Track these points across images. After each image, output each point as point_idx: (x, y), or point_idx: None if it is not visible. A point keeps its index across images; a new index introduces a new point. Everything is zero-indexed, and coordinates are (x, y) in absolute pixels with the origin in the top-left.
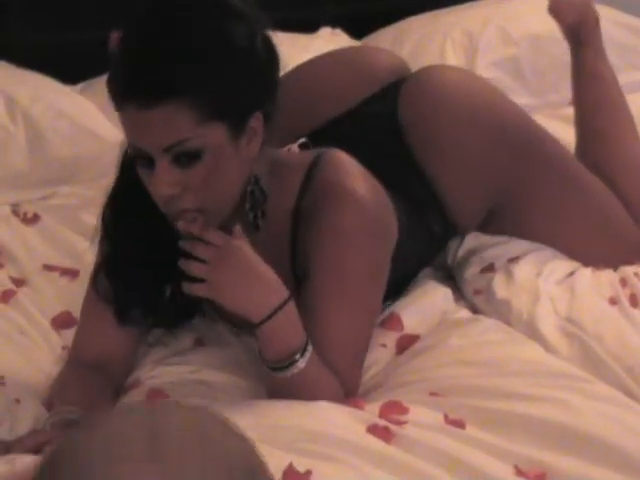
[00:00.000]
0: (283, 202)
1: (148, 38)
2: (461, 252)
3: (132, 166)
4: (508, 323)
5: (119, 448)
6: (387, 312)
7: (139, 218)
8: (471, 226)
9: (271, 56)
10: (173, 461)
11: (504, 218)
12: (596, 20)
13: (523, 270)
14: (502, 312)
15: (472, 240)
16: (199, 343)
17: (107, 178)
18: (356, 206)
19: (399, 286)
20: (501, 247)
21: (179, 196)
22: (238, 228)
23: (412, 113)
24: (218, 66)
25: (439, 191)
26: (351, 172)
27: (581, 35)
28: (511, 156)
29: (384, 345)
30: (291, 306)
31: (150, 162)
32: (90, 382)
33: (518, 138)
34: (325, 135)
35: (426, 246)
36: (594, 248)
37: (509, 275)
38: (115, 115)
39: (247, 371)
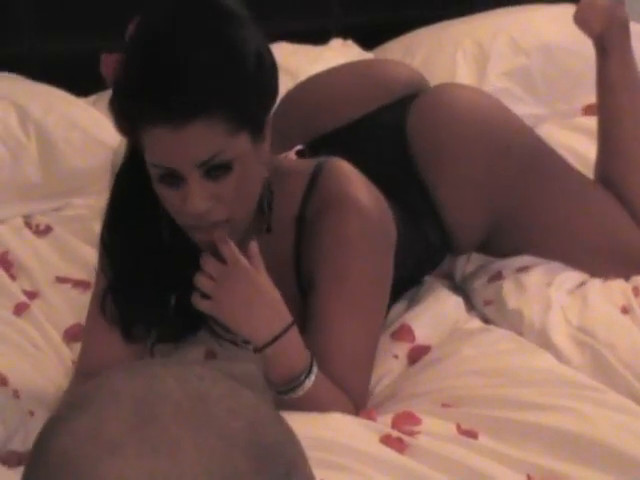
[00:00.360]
0: (286, 209)
1: (170, 56)
2: (469, 268)
3: (126, 184)
4: (520, 333)
5: (106, 435)
6: (398, 323)
7: (138, 234)
8: (471, 243)
9: (273, 60)
10: (166, 448)
11: (506, 236)
12: (623, 27)
13: (533, 279)
14: (514, 322)
15: (477, 259)
16: (210, 356)
17: None
18: (359, 215)
19: (397, 286)
20: (509, 260)
21: (210, 209)
22: (254, 245)
23: (419, 126)
24: (240, 74)
25: (439, 204)
26: (353, 181)
27: (605, 43)
28: (516, 174)
29: (396, 356)
30: (294, 331)
31: (176, 181)
32: None
33: (523, 157)
34: (330, 141)
35: (423, 253)
36: (600, 265)
37: (519, 284)
38: None
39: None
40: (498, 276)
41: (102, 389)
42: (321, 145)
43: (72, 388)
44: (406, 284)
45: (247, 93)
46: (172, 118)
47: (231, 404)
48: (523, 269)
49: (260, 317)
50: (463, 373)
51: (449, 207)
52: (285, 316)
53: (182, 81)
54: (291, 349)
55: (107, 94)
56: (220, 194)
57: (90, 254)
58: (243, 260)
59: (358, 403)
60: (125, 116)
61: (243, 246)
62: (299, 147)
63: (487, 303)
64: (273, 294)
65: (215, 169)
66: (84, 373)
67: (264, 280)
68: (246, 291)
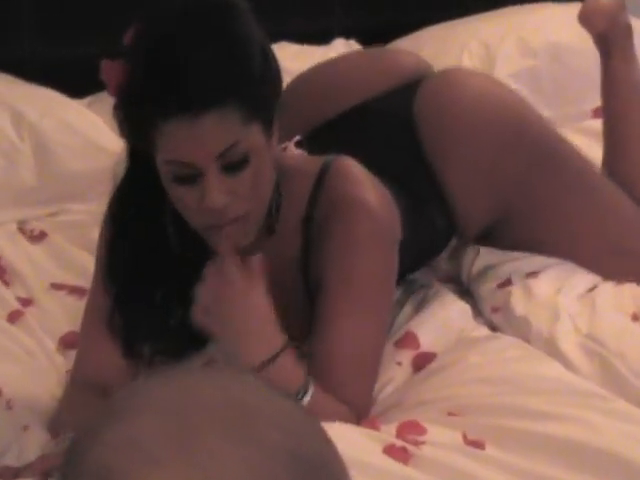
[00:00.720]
0: (292, 210)
1: (175, 49)
2: (476, 268)
3: (129, 195)
4: (527, 341)
5: (143, 445)
6: (402, 330)
7: (143, 244)
8: (476, 228)
9: (275, 56)
10: (204, 460)
11: (515, 227)
12: (627, 29)
13: (542, 286)
14: (521, 329)
15: (487, 256)
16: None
17: None
18: (368, 218)
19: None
20: (518, 262)
21: (228, 205)
22: (259, 258)
23: (426, 109)
24: (248, 65)
25: (445, 189)
26: (361, 181)
27: (610, 44)
28: (526, 166)
29: (399, 363)
30: (284, 357)
31: (192, 177)
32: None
33: (536, 149)
34: (333, 128)
35: (427, 242)
36: (611, 265)
37: (528, 291)
38: None
39: None
40: (507, 283)
41: (137, 398)
42: (323, 132)
43: (66, 397)
44: (402, 275)
45: (256, 83)
46: (187, 109)
47: (273, 415)
48: (532, 274)
49: (251, 341)
50: (469, 381)
51: (455, 192)
52: (276, 341)
53: (192, 72)
54: (282, 373)
55: (103, 96)
56: (237, 189)
57: (87, 260)
58: (241, 281)
59: (361, 410)
60: (135, 119)
61: (251, 249)
62: (297, 138)
63: (494, 310)
64: (268, 317)
65: (233, 162)
66: (79, 381)
67: (261, 301)
68: (240, 313)
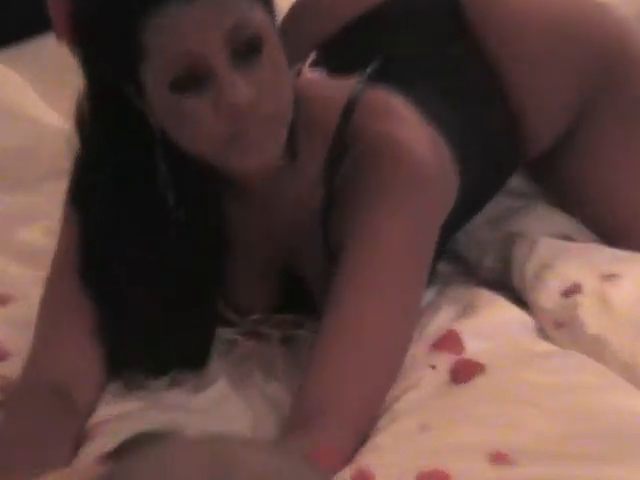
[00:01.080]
0: (314, 148)
1: None
2: (531, 267)
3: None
4: (602, 363)
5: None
6: (443, 330)
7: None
8: (540, 142)
9: None
10: None
11: (575, 153)
12: None
13: (623, 293)
14: (593, 350)
15: (545, 249)
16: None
17: (51, 181)
18: (411, 167)
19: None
20: (584, 259)
21: (255, 101)
22: None
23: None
24: None
25: (503, 86)
26: (403, 121)
27: None
28: (592, 64)
29: (433, 367)
30: None
31: (198, 82)
32: (43, 437)
33: (605, 50)
34: (358, 28)
35: (486, 158)
36: None
37: (602, 300)
38: (55, 94)
39: (229, 417)
40: (574, 289)
41: (170, 454)
42: (341, 40)
43: (11, 402)
44: (469, 214)
45: None
46: None
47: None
48: (608, 277)
49: None
50: (525, 409)
51: (513, 86)
52: None
53: None
54: None
55: (22, 50)
56: (256, 81)
57: (10, 266)
58: None
59: (357, 424)
60: (115, 29)
61: (269, 189)
62: (312, 57)
63: (558, 325)
64: None
65: (243, 46)
66: (31, 382)
67: None
68: None
